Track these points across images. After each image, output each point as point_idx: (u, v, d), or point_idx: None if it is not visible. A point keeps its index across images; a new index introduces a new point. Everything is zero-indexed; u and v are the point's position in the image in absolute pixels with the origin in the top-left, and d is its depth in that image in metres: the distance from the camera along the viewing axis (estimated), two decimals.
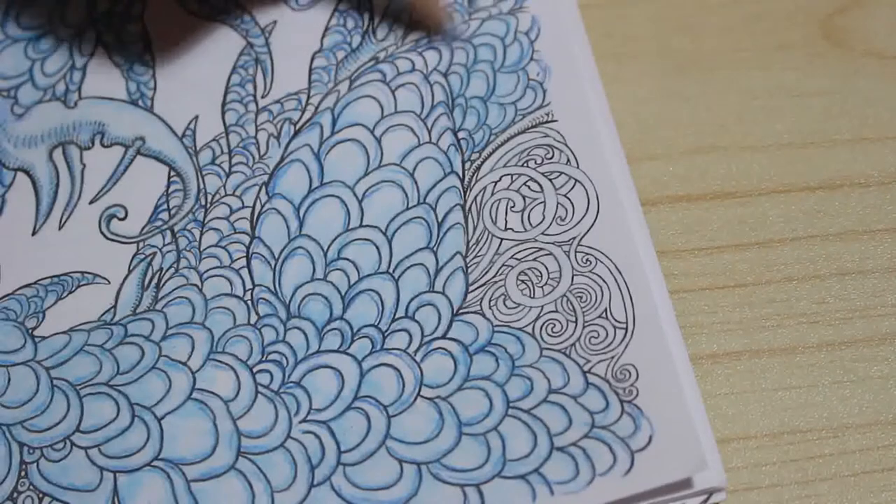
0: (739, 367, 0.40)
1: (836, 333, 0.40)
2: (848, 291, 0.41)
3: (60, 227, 0.41)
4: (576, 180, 0.39)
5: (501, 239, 0.39)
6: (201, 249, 0.40)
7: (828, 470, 0.38)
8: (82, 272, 0.40)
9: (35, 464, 0.37)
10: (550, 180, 0.39)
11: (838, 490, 0.38)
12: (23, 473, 0.37)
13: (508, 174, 0.40)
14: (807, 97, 0.44)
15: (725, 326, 0.40)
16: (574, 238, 0.38)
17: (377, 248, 0.39)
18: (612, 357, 0.36)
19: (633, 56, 0.45)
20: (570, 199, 0.39)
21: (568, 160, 0.39)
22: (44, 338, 0.39)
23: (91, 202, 0.41)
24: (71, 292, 0.40)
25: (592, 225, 0.38)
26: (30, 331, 0.39)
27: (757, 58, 0.45)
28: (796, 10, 0.46)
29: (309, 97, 0.42)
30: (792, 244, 0.41)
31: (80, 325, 0.39)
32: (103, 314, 0.39)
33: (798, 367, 0.40)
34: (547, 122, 0.40)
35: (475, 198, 0.39)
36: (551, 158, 0.40)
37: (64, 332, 0.39)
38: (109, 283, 0.40)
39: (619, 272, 0.37)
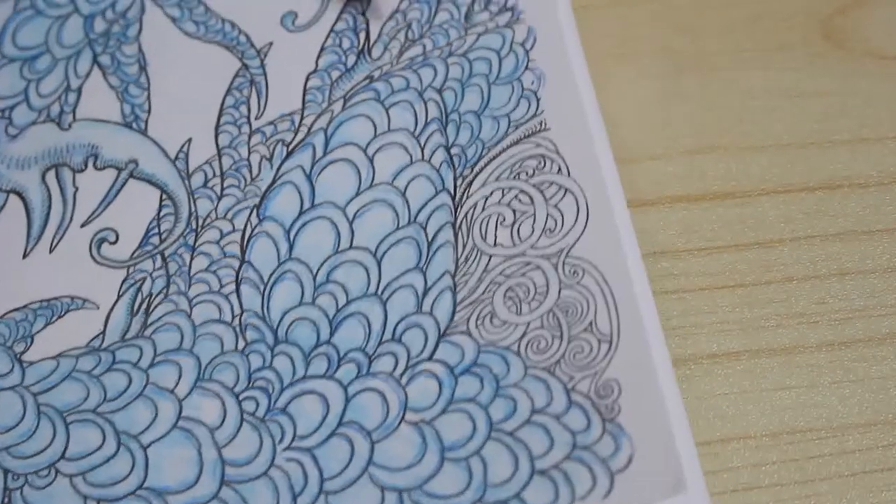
0: (739, 367, 0.39)
1: (836, 333, 0.40)
2: (848, 291, 0.40)
3: (51, 251, 0.40)
4: (566, 189, 0.38)
5: (490, 255, 0.38)
6: (191, 274, 0.39)
7: (827, 470, 0.38)
8: (72, 297, 0.39)
9: (19, 490, 0.37)
10: (541, 191, 0.39)
11: (838, 490, 0.37)
12: (6, 500, 0.37)
13: (500, 188, 0.39)
14: (806, 97, 0.44)
15: (725, 326, 0.40)
16: (562, 250, 0.37)
17: (366, 270, 0.38)
18: (596, 373, 0.35)
19: (633, 56, 0.45)
20: (559, 210, 0.38)
21: (559, 169, 0.39)
22: (31, 363, 0.38)
23: (82, 225, 0.41)
24: (60, 317, 0.39)
25: (581, 234, 0.38)
26: (17, 355, 0.39)
27: (757, 58, 0.45)
28: (796, 10, 0.46)
29: (302, 118, 0.41)
30: (791, 244, 0.41)
31: (69, 350, 0.38)
32: (92, 340, 0.39)
33: (798, 367, 0.39)
34: (540, 131, 0.40)
35: (465, 214, 0.39)
36: (543, 168, 0.39)
37: (52, 358, 0.38)
38: (98, 308, 0.39)
39: (606, 282, 0.37)
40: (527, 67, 0.41)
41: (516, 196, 0.39)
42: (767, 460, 0.38)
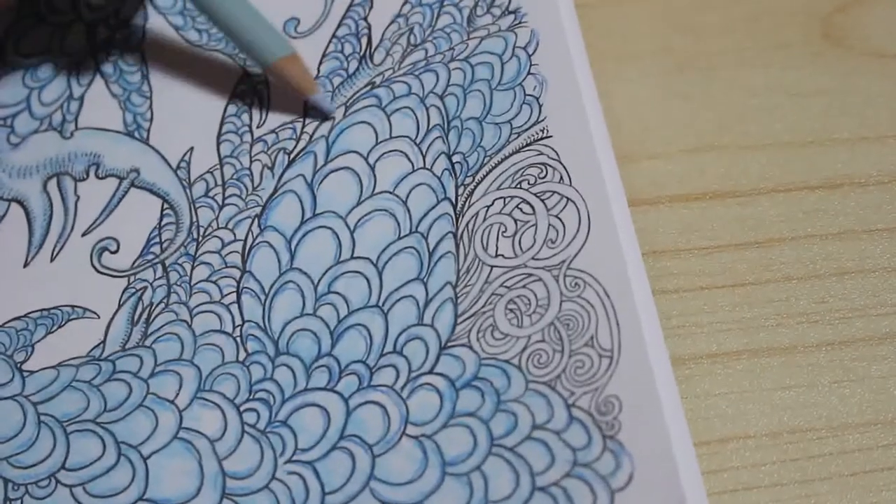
0: (739, 366, 0.39)
1: (836, 333, 0.40)
2: (847, 291, 0.41)
3: (52, 260, 0.40)
4: (568, 199, 0.38)
5: (492, 266, 0.37)
6: (192, 284, 0.39)
7: (827, 469, 0.38)
8: (72, 306, 0.39)
9: (19, 500, 0.37)
10: (543, 201, 0.38)
11: (838, 489, 0.37)
12: None
13: (501, 197, 0.39)
14: (806, 96, 0.44)
15: (725, 326, 0.40)
16: (564, 261, 0.37)
17: (367, 280, 0.38)
18: (597, 388, 0.35)
19: (633, 55, 0.45)
20: (561, 220, 0.38)
21: (561, 178, 0.38)
22: (32, 372, 0.38)
23: (84, 234, 0.41)
24: (60, 326, 0.39)
25: (583, 246, 0.37)
26: (18, 364, 0.39)
27: (756, 57, 0.45)
28: (796, 9, 0.46)
29: (304, 125, 0.41)
30: (791, 243, 0.41)
31: (69, 360, 0.38)
32: (92, 349, 0.39)
33: (797, 366, 0.39)
34: (541, 138, 0.39)
35: (467, 224, 0.38)
36: (544, 177, 0.38)
37: (52, 367, 0.38)
38: (99, 317, 0.39)
39: (608, 295, 0.36)
40: (529, 72, 0.40)
41: (518, 206, 0.38)
42: (767, 460, 0.38)
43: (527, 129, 0.39)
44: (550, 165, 0.39)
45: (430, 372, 0.36)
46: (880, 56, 0.45)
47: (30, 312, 0.39)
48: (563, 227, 0.38)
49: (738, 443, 0.38)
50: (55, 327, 0.39)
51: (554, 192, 0.38)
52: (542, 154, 0.39)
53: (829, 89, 0.44)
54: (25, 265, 0.40)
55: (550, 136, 0.39)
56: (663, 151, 0.43)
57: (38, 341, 0.39)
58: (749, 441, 0.38)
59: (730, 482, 0.37)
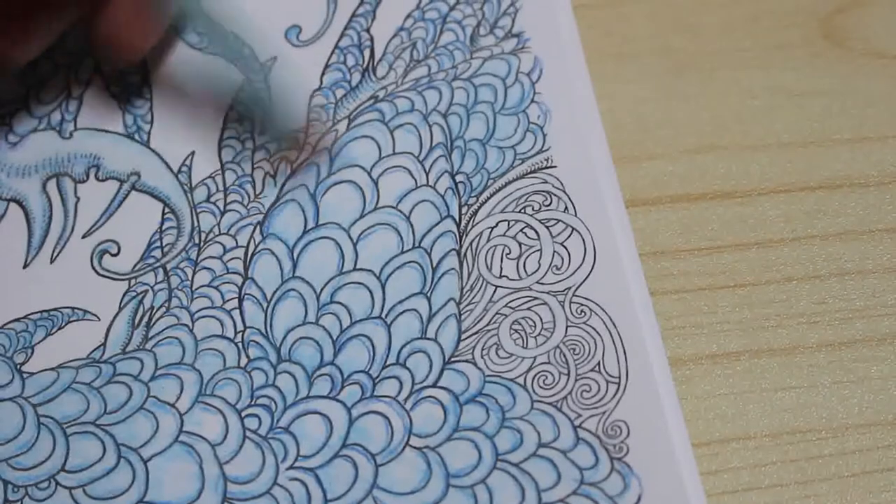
0: (739, 367, 0.40)
1: (836, 334, 0.40)
2: (848, 291, 0.41)
3: (52, 261, 0.40)
4: (573, 228, 0.39)
5: (496, 286, 0.38)
6: (193, 289, 0.39)
7: (827, 470, 0.38)
8: (73, 308, 0.39)
9: (19, 502, 0.37)
10: (548, 228, 0.39)
11: (838, 490, 0.38)
12: None
13: (505, 220, 0.39)
14: (807, 97, 0.44)
15: (725, 326, 0.40)
16: (569, 288, 0.38)
17: (370, 292, 0.38)
18: (604, 412, 0.36)
19: (633, 56, 0.45)
20: (566, 248, 0.38)
21: (566, 208, 0.39)
22: (32, 374, 0.38)
23: (84, 236, 0.41)
24: (60, 328, 0.39)
25: (588, 275, 0.38)
26: (18, 366, 0.39)
27: (757, 57, 0.45)
28: (796, 9, 0.46)
29: (307, 136, 0.41)
30: (792, 244, 0.42)
31: (69, 361, 0.39)
32: (92, 352, 0.39)
33: (798, 367, 0.40)
34: (546, 167, 0.40)
35: (471, 243, 0.39)
36: (549, 205, 0.39)
37: (52, 369, 0.38)
38: (100, 319, 0.39)
39: (614, 325, 0.37)
40: (533, 100, 0.41)
41: (522, 230, 0.39)
42: (767, 461, 0.38)
43: (531, 157, 0.40)
44: (555, 195, 0.39)
45: (434, 385, 0.37)
46: (880, 56, 0.45)
47: (30, 314, 0.39)
48: (569, 255, 0.38)
49: (738, 443, 0.38)
50: (55, 329, 0.39)
51: (559, 220, 0.39)
52: (546, 182, 0.40)
53: (829, 89, 0.44)
54: (25, 266, 0.40)
55: (555, 167, 0.40)
56: (663, 152, 0.43)
57: (38, 343, 0.39)
58: (749, 442, 0.38)
59: (730, 483, 0.38)
